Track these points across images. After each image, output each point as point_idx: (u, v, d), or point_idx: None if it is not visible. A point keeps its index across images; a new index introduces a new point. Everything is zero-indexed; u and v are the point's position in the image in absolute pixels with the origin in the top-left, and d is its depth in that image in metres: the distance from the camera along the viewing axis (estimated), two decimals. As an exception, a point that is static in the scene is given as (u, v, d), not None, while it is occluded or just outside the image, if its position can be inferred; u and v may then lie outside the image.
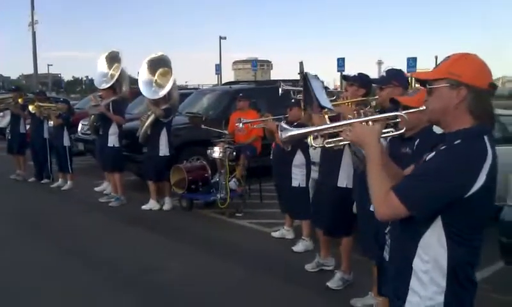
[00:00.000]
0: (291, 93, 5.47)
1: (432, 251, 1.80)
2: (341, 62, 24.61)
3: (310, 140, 2.10)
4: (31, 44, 30.26)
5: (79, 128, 11.33)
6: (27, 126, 10.34)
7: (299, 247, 5.74)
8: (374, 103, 4.17)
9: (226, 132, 7.66)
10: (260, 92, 10.07)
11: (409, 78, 4.24)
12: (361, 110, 2.95)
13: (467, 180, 1.71)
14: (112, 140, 8.05)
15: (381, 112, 3.49)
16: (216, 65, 40.40)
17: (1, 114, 13.75)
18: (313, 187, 5.64)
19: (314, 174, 5.66)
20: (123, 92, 8.31)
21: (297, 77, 9.32)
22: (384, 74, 3.77)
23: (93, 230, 6.86)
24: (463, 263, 1.80)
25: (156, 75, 8.09)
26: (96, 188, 9.16)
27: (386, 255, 2.13)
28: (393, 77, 3.65)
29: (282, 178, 5.91)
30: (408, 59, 20.91)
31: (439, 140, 1.89)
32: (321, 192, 4.89)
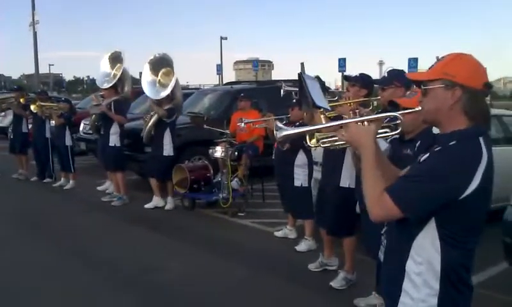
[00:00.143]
0: (292, 93, 5.49)
1: (425, 253, 1.79)
2: (342, 63, 24.57)
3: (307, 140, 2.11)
4: (32, 44, 30.27)
5: (81, 128, 11.34)
6: (29, 126, 10.37)
7: (301, 246, 5.76)
8: (375, 103, 4.19)
9: (227, 131, 7.67)
10: (261, 92, 10.08)
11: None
12: (357, 111, 2.97)
13: (461, 181, 1.69)
14: (114, 139, 8.06)
15: (379, 113, 3.51)
16: (217, 65, 40.40)
17: (3, 113, 13.79)
18: (315, 187, 5.66)
19: (316, 174, 5.68)
20: (125, 92, 8.33)
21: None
22: (386, 75, 3.78)
23: (95, 229, 6.87)
24: (457, 266, 1.78)
25: (159, 75, 8.12)
26: (99, 188, 9.19)
27: (382, 256, 2.14)
28: (395, 77, 3.66)
29: (284, 177, 5.93)
30: (409, 60, 20.84)
31: (434, 141, 1.88)
32: (324, 192, 4.90)
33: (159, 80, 8.10)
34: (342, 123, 2.02)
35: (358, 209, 4.32)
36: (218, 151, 7.36)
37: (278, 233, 6.35)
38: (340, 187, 4.57)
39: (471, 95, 1.77)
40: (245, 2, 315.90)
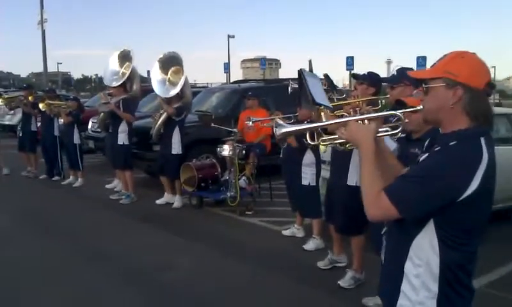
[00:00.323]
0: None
1: (424, 255, 1.76)
2: (350, 61, 24.49)
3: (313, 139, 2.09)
4: (41, 42, 30.42)
5: (89, 126, 11.39)
6: (38, 124, 10.43)
7: (309, 245, 5.75)
8: (383, 102, 4.17)
9: (235, 130, 7.68)
10: (268, 90, 10.07)
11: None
12: (358, 109, 2.95)
13: (460, 182, 1.66)
14: (122, 138, 8.09)
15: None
16: (225, 64, 40.39)
17: (12, 112, 13.88)
18: (323, 185, 5.65)
19: (324, 172, 5.67)
20: (134, 90, 8.36)
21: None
22: (395, 73, 3.76)
23: (103, 227, 6.91)
24: (456, 268, 1.75)
25: (169, 73, 8.13)
26: (107, 186, 9.23)
27: (383, 256, 2.12)
28: (405, 76, 3.63)
29: (292, 176, 5.92)
30: (418, 58, 20.71)
31: (434, 141, 1.86)
32: (333, 191, 4.91)
33: (169, 78, 8.11)
34: (342, 121, 2.00)
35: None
36: (226, 150, 7.37)
37: (286, 232, 6.35)
38: (348, 185, 4.56)
39: (473, 95, 1.73)
40: (252, 1, 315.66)
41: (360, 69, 33.51)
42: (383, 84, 4.45)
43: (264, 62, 42.39)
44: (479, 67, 1.78)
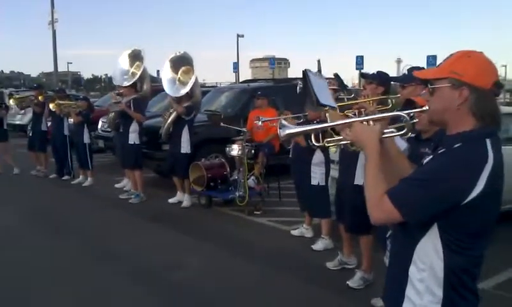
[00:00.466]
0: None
1: (428, 259, 1.73)
2: (360, 60, 24.43)
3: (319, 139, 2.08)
4: (51, 42, 30.62)
5: (99, 126, 11.45)
6: (49, 124, 10.49)
7: (318, 245, 5.73)
8: (393, 101, 4.15)
9: (244, 129, 7.67)
10: (278, 90, 10.05)
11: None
12: (363, 110, 2.93)
13: (464, 185, 1.62)
14: (133, 137, 8.12)
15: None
16: (234, 63, 40.44)
17: (23, 111, 13.96)
18: (332, 185, 5.63)
19: (333, 172, 5.66)
20: (144, 90, 8.40)
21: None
22: (406, 72, 3.74)
23: (112, 227, 6.94)
24: (461, 273, 1.71)
25: (179, 73, 8.17)
26: (117, 185, 9.27)
27: (387, 260, 2.09)
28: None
29: (301, 176, 5.90)
30: (428, 57, 20.58)
31: (439, 143, 1.82)
32: (342, 191, 4.91)
33: (179, 78, 8.15)
34: (347, 122, 1.98)
35: None
36: (235, 149, 7.38)
37: (295, 232, 6.33)
38: (355, 185, 4.55)
39: (479, 95, 1.69)
40: (261, 0, 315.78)
41: (370, 68, 33.41)
42: (394, 83, 4.43)
43: (273, 61, 42.44)
44: (486, 66, 1.74)
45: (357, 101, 4.14)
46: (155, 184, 9.36)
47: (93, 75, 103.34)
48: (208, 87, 15.38)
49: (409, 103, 2.61)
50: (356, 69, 23.92)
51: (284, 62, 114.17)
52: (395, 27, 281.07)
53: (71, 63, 65.87)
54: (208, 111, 9.61)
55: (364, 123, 1.95)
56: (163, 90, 8.41)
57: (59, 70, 37.71)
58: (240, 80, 20.66)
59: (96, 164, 10.18)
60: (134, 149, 8.16)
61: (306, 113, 5.78)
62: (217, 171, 7.75)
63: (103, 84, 78.24)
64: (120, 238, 6.37)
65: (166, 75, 8.21)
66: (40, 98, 10.35)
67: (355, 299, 4.45)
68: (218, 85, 20.87)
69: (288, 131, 2.07)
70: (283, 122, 2.08)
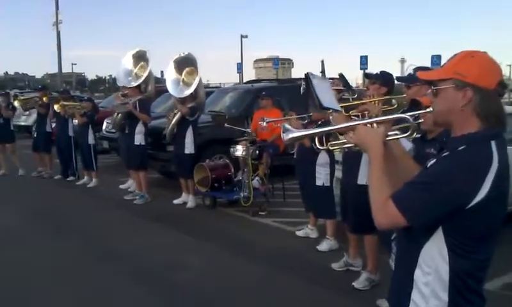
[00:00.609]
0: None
1: (433, 263, 1.71)
2: (364, 60, 24.32)
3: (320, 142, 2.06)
4: (56, 43, 30.76)
5: (104, 127, 11.46)
6: (53, 125, 10.52)
7: (323, 246, 5.72)
8: (395, 100, 4.14)
9: (249, 130, 7.67)
10: (282, 90, 10.04)
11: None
12: (366, 112, 2.91)
13: (469, 189, 1.60)
14: (139, 138, 8.14)
15: (404, 112, 3.45)
16: (238, 64, 40.45)
17: (27, 112, 14.02)
18: (337, 186, 5.61)
19: (338, 173, 5.64)
20: (149, 91, 8.41)
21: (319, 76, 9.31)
22: (411, 72, 3.72)
23: (116, 227, 6.96)
24: (466, 276, 1.69)
25: (183, 74, 8.19)
26: (121, 186, 9.28)
27: (392, 263, 2.06)
28: (421, 75, 3.59)
29: (306, 177, 5.89)
30: (432, 57, 20.48)
31: (444, 145, 1.80)
32: (345, 191, 4.91)
33: (183, 79, 8.17)
34: (351, 125, 1.96)
35: None
36: (239, 150, 7.37)
37: (299, 233, 6.32)
38: (358, 184, 4.55)
39: (483, 95, 1.67)
40: (264, 0, 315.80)
41: (374, 68, 33.31)
42: (399, 83, 4.41)
43: (276, 62, 42.36)
44: (490, 66, 1.72)
45: (362, 101, 4.12)
46: (159, 185, 9.36)
47: (97, 76, 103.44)
48: (212, 87, 15.40)
49: (414, 104, 2.59)
50: (361, 69, 23.83)
51: (288, 63, 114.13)
52: (398, 27, 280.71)
53: (75, 64, 66.04)
54: (213, 112, 9.62)
55: (368, 125, 1.93)
56: (167, 91, 8.42)
57: (64, 71, 37.85)
58: (244, 81, 20.66)
59: (101, 165, 10.20)
60: (140, 150, 8.17)
61: (311, 113, 5.77)
62: (221, 171, 7.75)
63: (107, 85, 78.35)
64: (122, 238, 6.38)
65: (170, 76, 8.24)
66: (44, 99, 10.38)
67: (361, 300, 4.43)
68: (222, 86, 20.86)
69: (291, 135, 2.04)
70: (287, 126, 2.05)
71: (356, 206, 4.59)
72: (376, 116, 2.18)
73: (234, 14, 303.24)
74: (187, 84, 8.00)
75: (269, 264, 5.37)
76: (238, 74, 39.19)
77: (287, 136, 2.03)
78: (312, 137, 2.12)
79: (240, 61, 41.52)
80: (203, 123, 8.63)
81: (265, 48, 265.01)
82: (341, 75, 4.66)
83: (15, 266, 5.40)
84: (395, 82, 4.46)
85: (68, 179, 10.08)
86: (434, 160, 1.74)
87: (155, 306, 4.54)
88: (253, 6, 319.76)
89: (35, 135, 10.77)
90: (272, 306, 4.48)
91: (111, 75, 78.29)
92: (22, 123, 16.71)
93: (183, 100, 7.82)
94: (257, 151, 7.48)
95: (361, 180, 4.53)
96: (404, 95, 3.82)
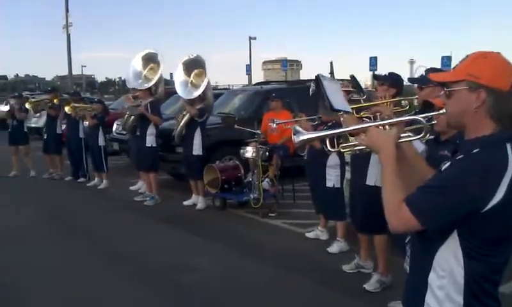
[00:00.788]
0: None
1: (448, 266, 1.69)
2: (373, 61, 24.25)
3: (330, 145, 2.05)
4: (66, 46, 30.94)
5: (114, 128, 11.51)
6: (63, 127, 10.59)
7: (333, 248, 5.70)
8: (406, 102, 4.12)
9: (258, 132, 7.67)
10: (291, 92, 10.03)
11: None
12: (378, 113, 2.89)
13: (484, 193, 1.58)
14: (150, 140, 8.18)
15: (417, 114, 3.43)
16: (247, 65, 40.53)
17: (38, 114, 14.11)
18: (347, 187, 5.60)
19: (348, 174, 5.63)
20: (159, 93, 8.45)
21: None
22: (423, 74, 3.71)
23: (126, 228, 6.99)
24: (481, 280, 1.67)
25: (191, 76, 8.24)
26: (132, 188, 9.32)
27: (407, 266, 2.04)
28: (433, 76, 3.57)
29: (316, 178, 5.88)
30: (443, 58, 20.41)
31: (458, 148, 1.78)
32: (353, 191, 4.93)
33: (191, 80, 8.22)
34: (362, 127, 1.94)
35: None
36: (249, 152, 7.37)
37: (310, 234, 6.31)
38: (367, 185, 4.55)
39: (497, 97, 1.65)
40: (273, 2, 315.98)
41: (382, 69, 33.19)
42: (408, 84, 4.39)
43: (285, 63, 42.39)
44: (503, 67, 1.70)
45: (374, 103, 4.10)
46: (169, 186, 9.39)
47: (106, 78, 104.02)
48: (221, 89, 15.42)
49: (427, 105, 2.57)
50: (370, 70, 23.75)
51: (296, 64, 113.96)
52: (407, 28, 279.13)
53: (85, 66, 66.37)
54: (223, 114, 9.63)
55: (380, 127, 1.92)
56: (176, 93, 8.45)
57: (73, 73, 38.05)
58: (253, 83, 20.65)
59: (111, 167, 10.24)
60: (151, 151, 8.22)
61: (321, 115, 5.77)
62: (231, 173, 7.76)
63: (117, 87, 78.76)
64: (131, 239, 6.41)
65: (179, 78, 8.30)
66: (55, 101, 10.45)
67: (372, 302, 4.41)
68: (230, 87, 20.89)
69: (302, 137, 2.03)
70: (297, 128, 2.04)
71: (365, 207, 4.59)
72: (389, 118, 2.17)
73: (242, 16, 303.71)
74: (196, 86, 8.05)
75: (277, 265, 5.36)
76: (247, 76, 39.28)
77: (298, 138, 2.02)
78: (322, 139, 2.10)
79: (248, 63, 41.58)
80: (213, 124, 8.65)
81: (273, 50, 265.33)
82: (352, 77, 4.64)
83: (23, 266, 5.44)
84: (407, 83, 4.45)
85: (78, 180, 10.16)
86: (449, 164, 1.72)
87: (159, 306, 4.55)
88: (261, 8, 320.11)
89: (45, 137, 10.84)
90: (274, 305, 4.48)
91: (120, 77, 78.78)
92: (33, 125, 16.78)
93: (191, 102, 7.86)
94: (267, 153, 7.49)
95: (370, 180, 4.54)
96: (416, 96, 3.80)
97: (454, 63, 1.89)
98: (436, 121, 2.03)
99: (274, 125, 6.73)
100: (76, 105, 9.79)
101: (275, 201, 7.65)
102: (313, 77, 8.85)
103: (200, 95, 7.84)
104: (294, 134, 2.03)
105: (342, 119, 3.43)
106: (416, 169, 1.98)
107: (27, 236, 6.59)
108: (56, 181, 10.34)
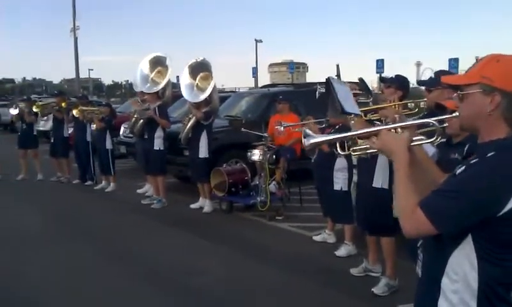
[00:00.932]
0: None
1: (461, 270, 1.68)
2: (380, 64, 24.20)
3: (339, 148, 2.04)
4: (73, 49, 31.13)
5: (121, 131, 11.53)
6: (70, 130, 10.62)
7: (341, 251, 5.67)
8: (413, 105, 4.11)
9: (265, 134, 7.66)
10: (298, 95, 10.03)
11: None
12: (383, 118, 2.88)
13: (500, 197, 1.57)
14: (158, 143, 8.20)
15: (426, 116, 3.41)
16: (253, 68, 40.57)
17: (45, 118, 14.18)
18: (354, 190, 5.58)
19: (355, 177, 5.61)
20: (166, 96, 8.47)
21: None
22: (432, 76, 3.69)
23: (133, 231, 6.99)
24: (496, 284, 1.65)
25: (197, 79, 8.25)
26: (139, 191, 9.33)
27: (419, 270, 2.02)
28: (442, 79, 3.55)
29: (324, 181, 5.86)
30: (450, 60, 20.31)
31: (472, 151, 1.78)
32: (360, 193, 4.92)
33: (197, 84, 8.23)
34: (374, 131, 1.93)
35: (395, 213, 4.22)
36: (256, 155, 7.36)
37: (317, 238, 6.28)
38: (374, 187, 4.53)
39: (510, 100, 1.64)
40: (279, 5, 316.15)
41: (389, 72, 33.07)
42: (415, 87, 4.38)
43: (292, 66, 42.43)
44: None
45: (382, 106, 4.10)
46: (176, 189, 9.40)
47: (113, 81, 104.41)
48: (227, 92, 15.42)
49: (439, 108, 2.55)
50: (377, 72, 23.70)
51: (302, 67, 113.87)
52: (413, 30, 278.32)
53: (92, 70, 66.53)
54: (229, 116, 9.63)
55: (391, 130, 1.91)
56: (183, 96, 8.46)
57: (81, 76, 38.26)
58: (260, 85, 20.68)
59: (118, 170, 10.27)
60: (159, 155, 8.24)
61: (328, 118, 5.75)
62: (238, 176, 7.75)
63: (123, 90, 78.98)
64: (140, 242, 6.40)
65: (185, 81, 8.31)
66: (63, 104, 10.49)
67: (380, 305, 4.39)
68: (237, 90, 20.90)
69: (312, 140, 2.02)
70: (308, 131, 2.03)
71: (372, 209, 4.59)
72: (400, 121, 2.16)
73: (248, 19, 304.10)
74: (201, 89, 8.07)
75: (284, 268, 5.35)
76: (253, 78, 39.32)
77: (308, 141, 2.01)
78: (332, 142, 2.09)
79: (255, 66, 41.61)
80: (219, 127, 8.66)
81: (279, 53, 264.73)
82: (361, 80, 4.65)
83: (29, 267, 5.45)
84: (415, 85, 4.44)
85: (86, 184, 10.19)
86: (463, 168, 1.71)
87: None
88: (267, 11, 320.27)
89: (52, 141, 10.88)
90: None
91: (127, 81, 79.01)
92: (41, 128, 16.85)
93: (197, 105, 7.87)
94: (274, 156, 7.48)
95: (377, 182, 4.53)
96: (424, 99, 3.79)
97: (461, 65, 1.89)
98: (447, 124, 2.01)
99: (282, 127, 6.72)
100: (84, 108, 9.83)
101: (282, 204, 7.64)
102: (319, 80, 8.87)
103: (205, 98, 7.85)
104: (305, 137, 2.02)
105: (352, 122, 3.42)
106: (428, 172, 1.97)
107: (33, 238, 6.60)
108: (63, 185, 10.37)
